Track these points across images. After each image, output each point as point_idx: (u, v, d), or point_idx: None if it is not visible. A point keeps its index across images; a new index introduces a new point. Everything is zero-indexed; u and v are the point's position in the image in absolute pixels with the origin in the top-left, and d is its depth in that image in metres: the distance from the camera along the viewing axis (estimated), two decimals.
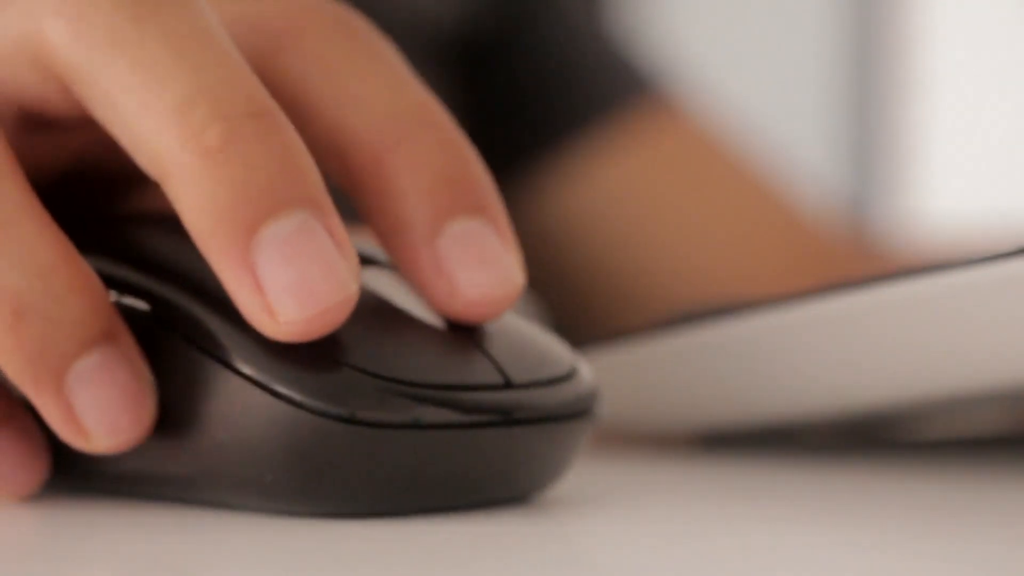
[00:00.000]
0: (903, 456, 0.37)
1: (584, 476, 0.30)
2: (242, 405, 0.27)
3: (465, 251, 0.28)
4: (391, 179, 0.28)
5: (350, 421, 0.26)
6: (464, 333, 0.28)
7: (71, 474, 0.29)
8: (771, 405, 0.35)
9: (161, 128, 0.26)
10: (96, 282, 0.27)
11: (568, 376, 0.28)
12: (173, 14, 0.27)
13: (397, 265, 0.28)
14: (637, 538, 0.26)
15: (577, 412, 0.28)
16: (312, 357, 0.26)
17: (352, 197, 0.29)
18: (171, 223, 0.27)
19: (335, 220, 0.26)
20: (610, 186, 0.63)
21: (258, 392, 0.26)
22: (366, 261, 0.28)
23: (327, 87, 0.29)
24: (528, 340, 0.29)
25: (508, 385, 0.27)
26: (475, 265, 0.28)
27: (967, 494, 0.32)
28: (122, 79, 0.26)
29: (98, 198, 0.32)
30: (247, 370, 0.26)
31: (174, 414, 0.27)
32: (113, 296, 0.28)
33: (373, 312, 0.27)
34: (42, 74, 0.27)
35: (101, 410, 0.27)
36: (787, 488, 0.33)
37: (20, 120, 0.29)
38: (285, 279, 0.25)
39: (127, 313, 0.28)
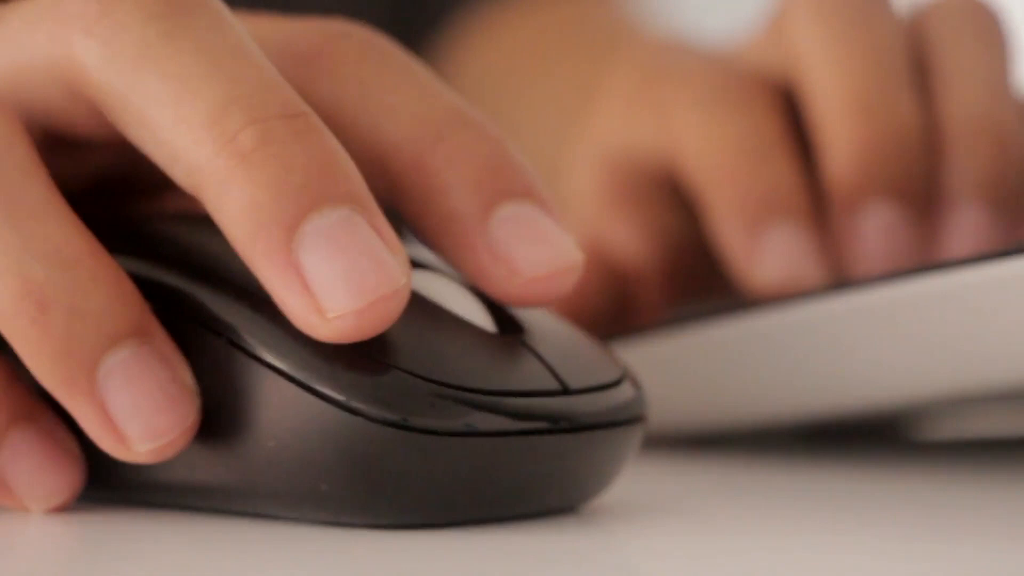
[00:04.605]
0: (904, 456, 0.37)
1: (623, 482, 0.29)
2: (290, 409, 0.26)
3: (518, 232, 0.27)
4: (434, 177, 0.28)
5: (401, 427, 0.25)
6: (515, 337, 0.27)
7: (108, 485, 0.28)
8: (772, 405, 0.35)
9: (195, 139, 0.26)
10: (123, 276, 0.27)
11: (619, 381, 0.28)
12: (204, 28, 0.26)
13: (451, 260, 0.28)
14: (691, 549, 0.26)
15: (632, 418, 0.28)
16: (362, 360, 0.25)
17: (397, 204, 0.28)
18: (214, 224, 0.26)
19: (380, 218, 0.26)
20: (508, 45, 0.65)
21: (306, 396, 0.25)
22: (415, 265, 0.27)
23: (361, 102, 0.28)
24: (577, 345, 0.28)
25: (565, 391, 0.27)
26: (530, 244, 0.27)
27: (968, 494, 0.32)
28: (155, 94, 0.26)
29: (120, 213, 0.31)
30: (295, 373, 0.26)
31: (219, 420, 0.27)
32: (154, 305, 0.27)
33: (424, 316, 0.27)
34: (73, 98, 0.27)
35: (137, 410, 0.26)
36: (812, 492, 0.32)
37: (44, 141, 0.28)
38: (331, 272, 0.25)
39: (168, 315, 0.27)
